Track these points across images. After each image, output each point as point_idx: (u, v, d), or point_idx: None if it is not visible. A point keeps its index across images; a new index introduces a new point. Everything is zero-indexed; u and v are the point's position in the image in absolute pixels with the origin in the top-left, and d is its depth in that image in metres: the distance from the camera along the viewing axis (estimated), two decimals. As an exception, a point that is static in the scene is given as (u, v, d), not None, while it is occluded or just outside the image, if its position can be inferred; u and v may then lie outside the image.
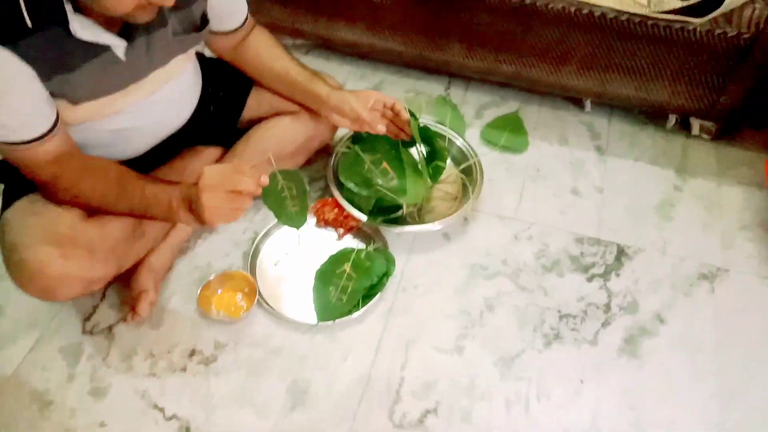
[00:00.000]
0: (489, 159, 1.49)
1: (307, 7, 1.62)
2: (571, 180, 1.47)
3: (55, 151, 0.98)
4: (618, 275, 1.29)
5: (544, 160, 1.51)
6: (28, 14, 0.85)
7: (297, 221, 1.08)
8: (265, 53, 1.27)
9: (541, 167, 1.50)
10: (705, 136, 1.56)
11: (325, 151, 1.43)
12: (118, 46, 0.96)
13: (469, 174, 1.38)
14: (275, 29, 1.66)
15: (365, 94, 1.25)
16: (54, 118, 0.96)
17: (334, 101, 1.23)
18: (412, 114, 1.31)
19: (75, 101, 0.98)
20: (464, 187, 1.38)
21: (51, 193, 1.03)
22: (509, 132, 1.55)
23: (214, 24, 1.16)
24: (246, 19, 1.23)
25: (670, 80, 1.44)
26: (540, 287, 1.27)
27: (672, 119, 1.57)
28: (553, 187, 1.45)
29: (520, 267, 1.30)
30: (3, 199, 1.10)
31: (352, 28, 1.62)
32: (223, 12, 1.16)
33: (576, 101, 1.65)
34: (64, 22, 0.88)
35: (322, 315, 1.19)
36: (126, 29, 0.96)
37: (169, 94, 1.15)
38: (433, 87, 1.71)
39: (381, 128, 1.22)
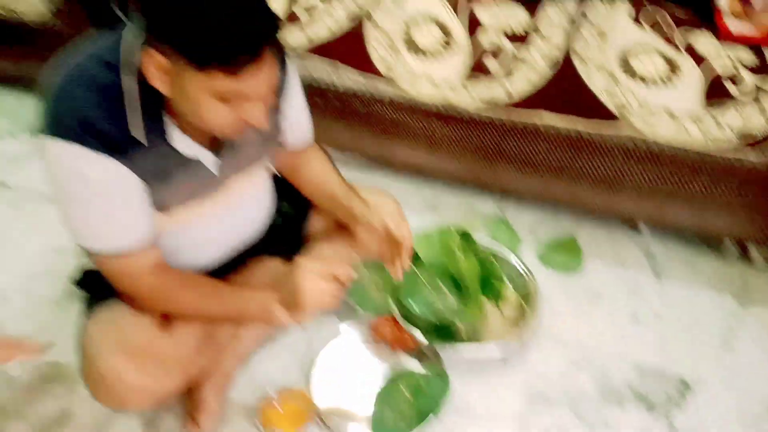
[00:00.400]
0: (545, 279, 1.50)
1: (368, 126, 1.72)
2: (629, 304, 1.47)
3: (152, 262, 1.04)
4: (681, 409, 1.26)
5: (601, 282, 1.52)
6: (135, 129, 0.91)
7: (381, 308, 1.12)
8: (319, 173, 1.32)
9: (598, 290, 1.50)
10: (765, 263, 1.55)
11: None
12: (209, 159, 1.03)
13: (526, 294, 1.40)
14: (336, 144, 1.78)
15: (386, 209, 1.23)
16: (152, 227, 1.02)
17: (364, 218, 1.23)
18: (466, 233, 1.36)
19: (166, 209, 1.04)
20: (521, 308, 1.39)
21: (147, 306, 1.08)
22: (565, 252, 1.57)
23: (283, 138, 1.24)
24: (310, 138, 1.31)
25: (726, 208, 1.46)
26: (601, 420, 1.24)
27: (730, 245, 1.57)
28: (612, 311, 1.45)
29: (580, 397, 1.28)
30: (85, 305, 1.16)
31: (412, 149, 1.71)
32: (292, 127, 1.22)
33: (632, 223, 1.67)
34: (167, 138, 0.95)
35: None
36: (214, 140, 1.03)
37: (246, 204, 1.22)
38: (488, 204, 1.76)
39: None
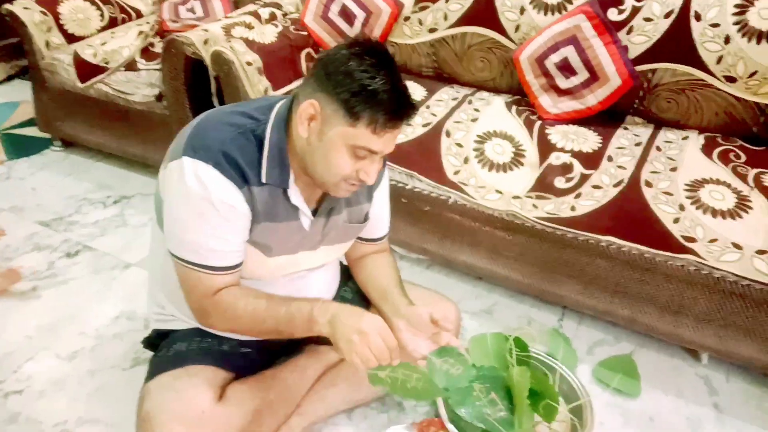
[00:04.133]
0: (600, 400, 1.48)
1: (435, 230, 1.79)
2: (686, 437, 1.42)
3: (229, 283, 1.14)
4: None
5: (659, 410, 1.48)
6: (265, 173, 1.08)
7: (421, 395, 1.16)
8: (381, 269, 1.37)
9: (654, 418, 1.46)
10: (837, 409, 1.48)
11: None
12: (307, 217, 1.17)
13: (579, 414, 1.37)
14: (403, 245, 1.84)
15: (417, 315, 1.25)
16: (241, 259, 1.13)
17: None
18: (523, 343, 1.37)
19: (268, 251, 1.16)
20: (573, 427, 1.37)
21: (207, 319, 1.17)
22: (622, 374, 1.54)
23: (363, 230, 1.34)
24: (386, 235, 1.39)
25: (795, 347, 1.42)
26: None
27: (798, 386, 1.51)
28: (668, 442, 1.41)
29: None
30: (150, 368, 1.23)
31: (473, 253, 1.76)
32: (373, 220, 1.33)
33: (693, 351, 1.63)
34: (284, 186, 1.11)
35: None
36: (315, 208, 1.19)
37: (316, 277, 1.31)
38: (547, 316, 1.76)
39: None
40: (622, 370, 1.55)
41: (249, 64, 1.88)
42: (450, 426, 1.32)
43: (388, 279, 1.37)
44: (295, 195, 1.13)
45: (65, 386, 1.51)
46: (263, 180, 1.08)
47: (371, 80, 1.00)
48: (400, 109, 1.04)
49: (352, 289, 1.45)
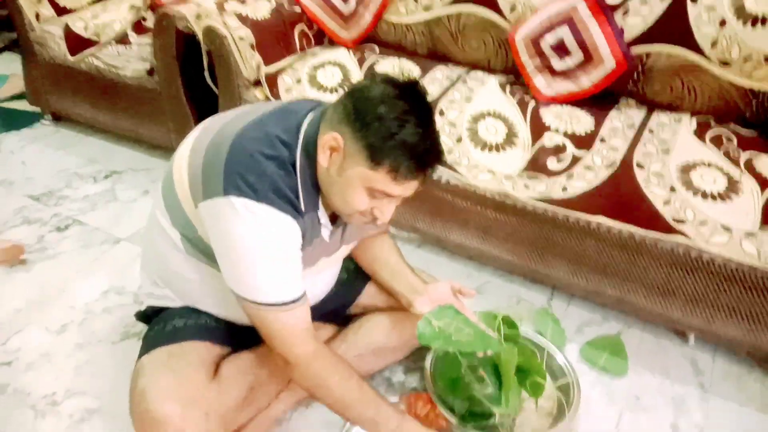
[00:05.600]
0: (587, 378, 1.49)
1: (426, 209, 1.79)
2: (671, 415, 1.43)
3: (308, 321, 1.11)
4: None
5: (644, 389, 1.49)
6: (303, 202, 1.06)
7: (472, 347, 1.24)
8: (387, 251, 1.41)
9: (640, 396, 1.47)
10: (820, 391, 1.50)
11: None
12: (327, 229, 1.16)
13: (566, 391, 1.39)
14: (393, 223, 1.84)
15: (439, 289, 1.34)
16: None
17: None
18: (511, 321, 1.38)
19: None
20: (560, 404, 1.38)
21: (302, 373, 1.12)
22: (609, 353, 1.56)
23: None
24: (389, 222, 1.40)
25: (780, 329, 1.43)
26: None
27: (783, 368, 1.53)
28: (653, 420, 1.42)
29: (612, 502, 1.25)
30: (144, 342, 1.23)
31: (464, 232, 1.76)
32: None
33: (680, 332, 1.65)
34: (316, 209, 1.10)
35: None
36: (333, 216, 1.17)
37: (326, 272, 1.32)
38: (536, 296, 1.77)
39: None
40: (609, 350, 1.57)
41: (241, 39, 1.86)
42: (437, 399, 1.33)
43: (396, 259, 1.40)
44: (323, 215, 1.13)
45: (53, 359, 1.51)
46: (302, 210, 1.07)
47: (400, 128, 0.97)
48: (425, 160, 1.02)
49: (347, 269, 1.45)
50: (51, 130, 2.55)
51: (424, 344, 1.26)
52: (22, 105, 2.66)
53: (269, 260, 1.03)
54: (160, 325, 1.24)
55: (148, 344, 1.21)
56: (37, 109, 2.60)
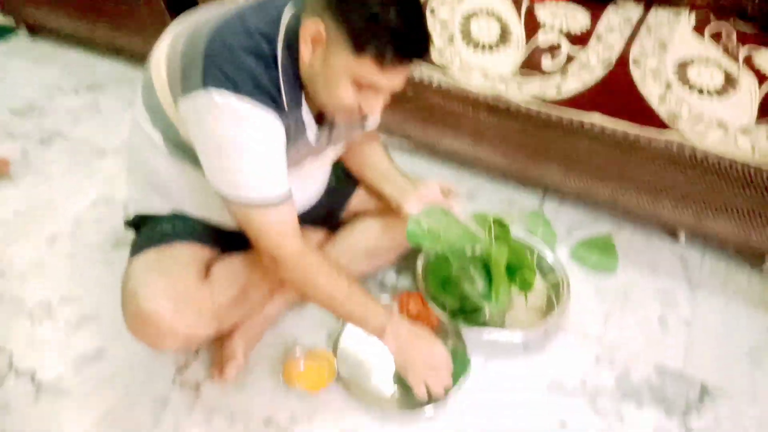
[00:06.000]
0: (577, 276, 1.51)
1: (417, 115, 1.74)
2: (659, 309, 1.46)
3: (294, 219, 1.10)
4: (700, 415, 1.25)
5: (634, 285, 1.52)
6: (285, 96, 1.01)
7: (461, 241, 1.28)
8: (377, 154, 1.40)
9: (629, 292, 1.50)
10: (805, 285, 1.52)
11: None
12: (312, 132, 1.12)
13: (556, 289, 1.41)
14: (385, 130, 1.81)
15: (428, 189, 1.33)
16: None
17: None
18: (502, 223, 1.38)
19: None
20: (549, 300, 1.40)
21: (287, 271, 1.11)
22: (600, 252, 1.57)
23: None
24: (378, 123, 1.37)
25: (770, 225, 1.43)
26: (617, 414, 1.24)
27: (770, 263, 1.55)
28: (641, 314, 1.45)
29: (598, 391, 1.29)
30: (134, 245, 1.23)
31: (456, 137, 1.73)
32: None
33: (670, 231, 1.66)
34: (299, 105, 1.05)
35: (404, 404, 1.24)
36: (319, 115, 1.12)
37: (314, 175, 1.30)
38: (528, 199, 1.77)
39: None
40: (600, 249, 1.58)
41: (221, -65, 1.76)
42: (428, 298, 1.35)
43: (386, 163, 1.39)
44: (307, 113, 1.08)
45: (46, 268, 1.51)
46: (285, 107, 1.02)
47: (384, 11, 0.90)
48: (412, 45, 0.95)
49: (336, 174, 1.43)
50: (28, 43, 2.46)
51: (413, 244, 1.27)
52: (-4, 18, 2.55)
53: (252, 156, 1.00)
54: (149, 229, 1.23)
55: (138, 247, 1.20)
56: (11, 24, 2.49)
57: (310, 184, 1.31)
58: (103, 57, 2.35)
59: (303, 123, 1.08)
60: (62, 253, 1.55)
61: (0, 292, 1.45)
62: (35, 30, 2.48)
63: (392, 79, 0.98)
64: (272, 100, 0.99)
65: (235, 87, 0.95)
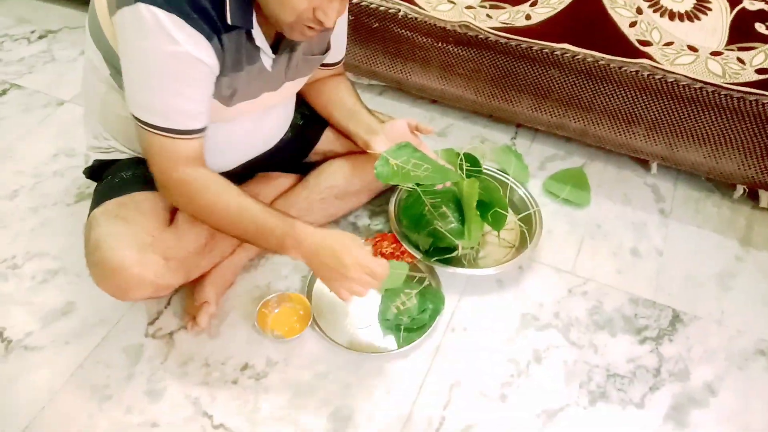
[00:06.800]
0: (549, 210, 1.50)
1: (385, 50, 1.69)
2: (631, 240, 1.47)
3: (194, 152, 1.04)
4: (671, 340, 1.27)
5: (606, 217, 1.52)
6: (230, 13, 0.94)
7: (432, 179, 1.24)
8: (344, 93, 1.36)
9: (601, 224, 1.50)
10: (774, 209, 1.54)
11: (390, 187, 1.47)
12: (268, 57, 1.06)
13: (528, 223, 1.40)
14: (352, 69, 1.76)
15: (396, 127, 1.30)
16: (208, 119, 1.03)
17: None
18: (473, 158, 1.36)
19: (225, 101, 1.06)
20: (522, 235, 1.40)
21: (171, 196, 1.08)
22: (572, 186, 1.56)
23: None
24: (343, 58, 1.33)
25: (740, 151, 1.43)
26: (590, 344, 1.26)
27: (740, 189, 1.55)
28: (613, 245, 1.45)
29: (572, 322, 1.30)
30: (94, 196, 1.19)
31: (426, 73, 1.68)
32: (335, 43, 1.25)
33: (642, 162, 1.65)
34: (249, 26, 0.98)
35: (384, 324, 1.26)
36: (274, 45, 1.06)
37: (275, 112, 1.25)
38: (500, 135, 1.74)
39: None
40: (572, 182, 1.57)
41: None
42: (401, 238, 1.34)
43: (353, 100, 1.35)
44: (259, 36, 1.01)
45: (9, 224, 1.47)
46: (229, 21, 0.94)
47: None
48: None
49: (302, 114, 1.39)
50: (-26, -10, 2.32)
51: (383, 182, 1.25)
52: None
53: (168, 80, 0.95)
54: (110, 177, 1.20)
55: (98, 198, 1.17)
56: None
57: (272, 120, 1.26)
58: (54, 2, 2.23)
59: (256, 48, 1.02)
60: (24, 208, 1.50)
61: (-38, 250, 1.41)
62: (-21, -25, 2.33)
63: None
64: (207, 22, 0.92)
65: (166, 2, 0.88)
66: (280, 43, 1.07)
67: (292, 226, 1.05)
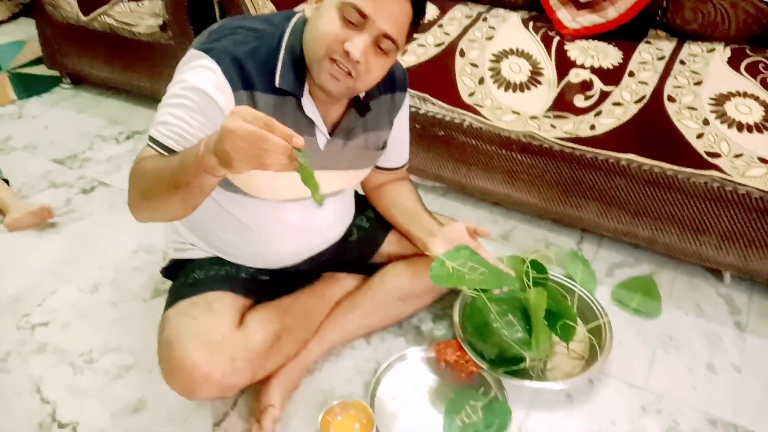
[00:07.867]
0: (619, 320, 1.46)
1: (450, 155, 1.75)
2: (706, 354, 1.41)
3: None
4: (756, 469, 1.19)
5: (678, 329, 1.47)
6: (279, 77, 1.03)
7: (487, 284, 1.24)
8: (405, 196, 1.40)
9: (674, 336, 1.45)
10: None
11: (453, 291, 1.48)
12: (323, 135, 1.12)
13: (598, 334, 1.37)
14: (418, 172, 1.81)
15: (454, 230, 1.30)
16: (181, 148, 0.99)
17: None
18: (540, 265, 1.36)
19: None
20: (592, 347, 1.36)
21: (132, 186, 1.03)
22: (642, 295, 1.53)
23: (382, 158, 1.31)
24: (406, 163, 1.38)
25: (821, 263, 1.38)
26: (667, 468, 1.20)
27: (823, 303, 1.48)
28: (687, 359, 1.40)
29: (646, 441, 1.24)
30: (169, 296, 1.24)
31: (489, 178, 1.72)
32: (393, 147, 1.31)
33: (714, 271, 1.60)
34: (299, 93, 1.05)
35: None
36: (331, 130, 1.13)
37: (330, 206, 1.28)
38: (565, 240, 1.74)
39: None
40: (642, 291, 1.54)
41: (253, -13, 1.82)
42: (466, 346, 1.33)
43: (414, 203, 1.38)
44: (310, 106, 1.08)
45: (88, 317, 1.54)
46: (277, 84, 1.03)
47: None
48: None
49: (367, 217, 1.44)
50: (71, 94, 2.55)
51: (438, 285, 1.25)
52: (41, 70, 2.66)
53: (177, 102, 0.99)
54: (184, 277, 1.26)
55: (172, 297, 1.22)
56: (55, 74, 2.60)
57: (326, 212, 1.27)
58: (142, 105, 2.42)
59: (306, 119, 1.08)
60: (104, 302, 1.58)
61: (45, 342, 1.48)
62: (78, 80, 2.57)
63: (377, 6, 0.95)
64: (244, 80, 1.00)
65: (215, 53, 0.99)
66: (336, 128, 1.13)
67: (197, 143, 0.92)
